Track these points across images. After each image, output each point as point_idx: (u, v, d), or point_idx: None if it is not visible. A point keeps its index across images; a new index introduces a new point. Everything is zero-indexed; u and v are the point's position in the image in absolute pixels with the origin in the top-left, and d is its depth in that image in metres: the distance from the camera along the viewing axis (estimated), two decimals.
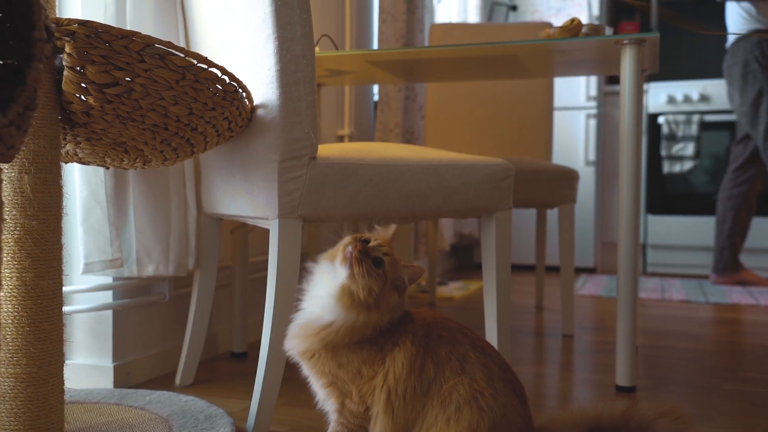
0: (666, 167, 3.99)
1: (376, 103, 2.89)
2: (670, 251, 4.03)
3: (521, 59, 1.89)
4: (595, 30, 1.81)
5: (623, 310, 1.63)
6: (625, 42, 1.62)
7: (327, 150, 1.41)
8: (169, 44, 1.13)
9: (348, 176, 1.36)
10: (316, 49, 2.01)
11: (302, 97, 1.31)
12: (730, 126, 3.91)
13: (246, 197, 1.40)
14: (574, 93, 4.01)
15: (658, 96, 4.04)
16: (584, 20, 3.99)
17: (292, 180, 1.31)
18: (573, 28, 1.81)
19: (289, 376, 1.73)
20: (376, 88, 3.01)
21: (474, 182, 1.48)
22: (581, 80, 3.97)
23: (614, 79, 4.36)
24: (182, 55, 1.15)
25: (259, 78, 1.33)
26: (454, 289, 3.10)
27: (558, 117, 4.02)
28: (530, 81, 2.75)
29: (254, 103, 1.35)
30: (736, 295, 3.13)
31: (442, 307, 2.76)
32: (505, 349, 1.56)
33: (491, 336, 1.55)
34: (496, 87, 2.78)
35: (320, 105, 2.35)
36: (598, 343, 2.15)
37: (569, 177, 2.28)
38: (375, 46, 2.93)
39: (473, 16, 3.97)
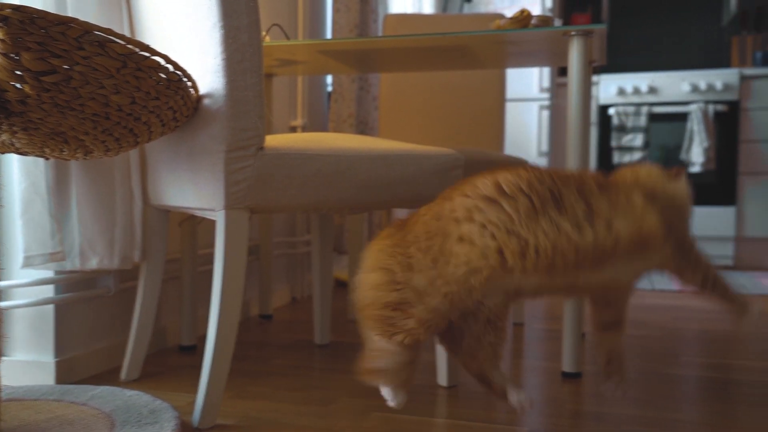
0: (616, 158, 4.06)
1: (329, 94, 2.87)
2: None
3: (473, 50, 1.90)
4: (544, 21, 1.82)
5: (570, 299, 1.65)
6: (573, 33, 1.64)
7: (275, 140, 1.39)
8: (109, 31, 1.10)
9: (296, 167, 1.35)
10: (267, 38, 1.98)
11: (249, 87, 1.29)
12: (678, 117, 4.00)
13: (192, 188, 1.38)
14: (528, 84, 4.04)
15: (609, 88, 4.11)
16: (537, 12, 4.02)
17: (238, 170, 1.29)
18: (523, 19, 1.82)
19: (238, 369, 1.72)
20: (329, 79, 2.99)
21: (423, 172, 1.48)
22: (534, 72, 4.01)
23: (566, 71, 4.42)
24: (123, 42, 1.12)
25: (205, 67, 1.30)
26: None
27: (512, 108, 4.06)
28: (483, 72, 2.76)
29: (200, 93, 1.33)
30: None
31: None
32: None
33: None
34: (450, 78, 2.79)
35: (272, 95, 2.32)
36: (547, 331, 2.19)
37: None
38: (329, 36, 2.91)
39: (428, 7, 3.97)
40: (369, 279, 1.12)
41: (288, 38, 2.31)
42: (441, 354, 1.58)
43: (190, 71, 1.34)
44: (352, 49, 1.89)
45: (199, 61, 1.32)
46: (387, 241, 1.13)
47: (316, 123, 2.86)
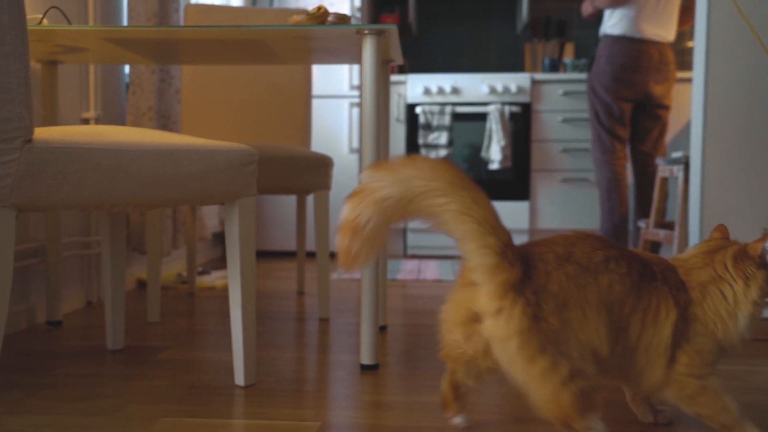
0: (423, 154, 4.23)
1: (128, 85, 2.72)
2: (428, 234, 4.29)
3: (271, 44, 1.88)
4: (341, 19, 1.84)
5: (366, 292, 1.69)
6: (366, 32, 1.68)
7: (47, 133, 1.28)
8: None
9: (71, 161, 1.26)
10: (44, 21, 1.83)
11: (12, 74, 1.18)
12: (478, 117, 4.24)
13: None
14: (338, 82, 4.10)
15: (416, 87, 4.27)
16: (346, 11, 4.09)
17: (1, 165, 1.17)
18: (319, 15, 1.83)
19: (15, 381, 1.57)
20: (128, 69, 2.83)
21: (214, 168, 1.44)
22: (344, 70, 4.07)
23: None
24: None
25: None
26: (216, 278, 3.03)
27: (322, 105, 4.09)
28: (289, 68, 2.75)
29: None
30: None
31: (202, 297, 2.69)
32: (251, 336, 1.54)
33: (236, 323, 1.53)
34: (256, 73, 2.75)
35: (57, 84, 2.15)
36: (352, 325, 2.22)
37: (324, 164, 2.32)
38: (125, 23, 2.75)
39: None
40: (534, 371, 1.03)
41: (69, 23, 2.15)
42: (237, 353, 1.55)
43: None
44: (143, 38, 1.80)
45: None
46: (521, 302, 1.03)
47: (113, 115, 2.70)
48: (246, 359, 1.55)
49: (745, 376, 1.68)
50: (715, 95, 2.42)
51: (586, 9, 3.68)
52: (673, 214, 4.19)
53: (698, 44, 2.49)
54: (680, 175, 2.66)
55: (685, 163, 2.63)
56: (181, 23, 2.95)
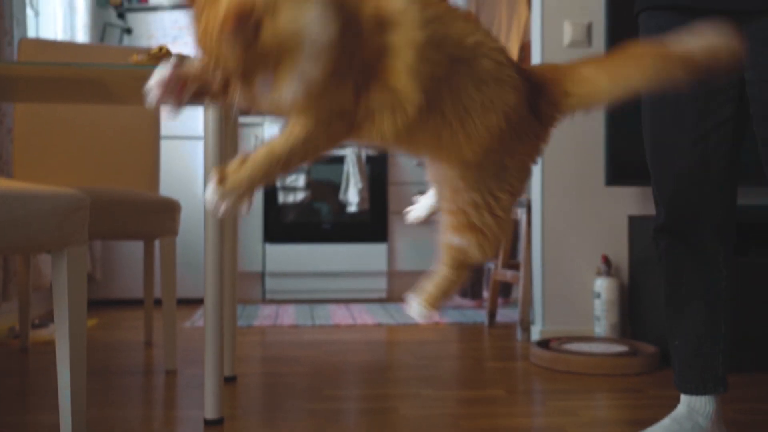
0: (281, 198, 4.19)
1: None
2: (286, 278, 4.23)
3: (108, 84, 1.79)
4: (182, 60, 1.80)
5: (210, 341, 1.62)
6: None
7: None
8: None
9: None
10: None
11: None
12: (336, 160, 4.27)
13: None
14: (193, 122, 3.99)
15: (274, 129, 4.24)
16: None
17: None
18: (161, 56, 1.77)
19: None
20: None
21: (37, 215, 1.33)
22: (200, 110, 3.97)
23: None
24: None
25: None
26: (54, 331, 2.81)
27: (176, 146, 3.96)
28: (136, 108, 2.64)
29: None
30: (339, 316, 3.40)
31: (37, 352, 2.48)
32: (80, 395, 1.43)
33: (63, 382, 1.41)
34: (99, 113, 2.61)
35: None
36: (199, 377, 2.12)
37: (169, 208, 2.23)
38: None
39: (82, 36, 3.71)
40: None
41: None
42: (65, 414, 1.42)
43: None
44: None
45: None
46: None
47: None
48: (75, 422, 1.42)
49: (581, 411, 1.76)
50: (551, 143, 2.57)
51: None
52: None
53: None
54: (523, 218, 2.79)
55: (528, 207, 2.77)
56: (15, 59, 2.76)
